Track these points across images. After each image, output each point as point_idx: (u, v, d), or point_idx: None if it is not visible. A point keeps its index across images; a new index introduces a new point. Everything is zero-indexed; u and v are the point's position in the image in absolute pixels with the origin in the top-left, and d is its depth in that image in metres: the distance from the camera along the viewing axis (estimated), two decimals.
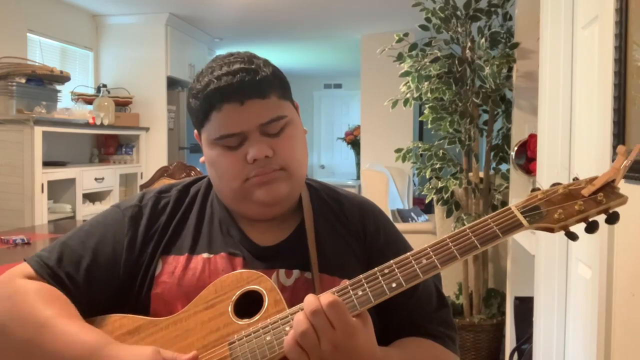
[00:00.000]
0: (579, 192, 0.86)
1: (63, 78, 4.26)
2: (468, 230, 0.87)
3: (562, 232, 0.87)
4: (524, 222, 0.85)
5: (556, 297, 2.03)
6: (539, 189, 0.89)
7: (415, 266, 0.85)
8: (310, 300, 0.82)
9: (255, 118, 0.96)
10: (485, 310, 3.31)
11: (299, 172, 1.02)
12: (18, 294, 0.93)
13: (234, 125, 0.95)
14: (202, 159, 1.05)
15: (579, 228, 0.87)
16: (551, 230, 0.86)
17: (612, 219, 0.85)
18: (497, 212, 0.88)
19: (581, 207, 0.84)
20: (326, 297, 0.82)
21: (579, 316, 1.83)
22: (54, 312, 0.89)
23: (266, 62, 1.01)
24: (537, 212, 0.86)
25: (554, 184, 0.89)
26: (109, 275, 0.98)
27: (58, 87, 4.34)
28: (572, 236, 0.87)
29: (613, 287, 1.26)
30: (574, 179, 0.89)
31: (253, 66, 0.97)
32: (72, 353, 0.85)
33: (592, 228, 0.85)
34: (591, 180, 0.86)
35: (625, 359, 1.20)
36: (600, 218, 0.86)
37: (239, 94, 0.95)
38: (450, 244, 0.86)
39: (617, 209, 0.85)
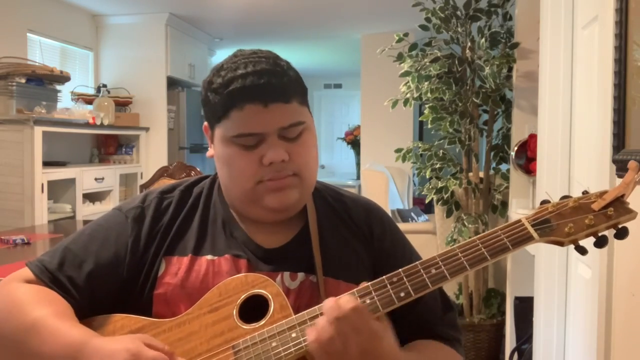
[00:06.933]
0: (589, 206, 0.85)
1: (63, 78, 4.26)
2: (478, 242, 0.86)
3: (572, 246, 0.86)
4: (535, 235, 0.84)
5: (556, 297, 2.03)
6: (548, 202, 0.88)
7: (425, 276, 0.85)
8: (331, 306, 0.81)
9: (277, 121, 0.95)
10: (485, 310, 3.31)
11: (310, 179, 1.01)
12: (9, 297, 0.93)
13: (255, 126, 0.94)
14: (209, 154, 1.03)
15: (586, 241, 0.86)
16: (561, 244, 0.85)
17: (622, 234, 0.84)
18: (508, 224, 0.87)
19: (591, 221, 0.83)
20: (348, 302, 0.81)
21: (579, 316, 1.83)
22: (43, 313, 0.89)
23: (289, 65, 1.00)
24: (547, 225, 0.85)
25: (563, 197, 0.88)
26: (111, 278, 0.98)
27: (58, 87, 4.33)
28: (582, 250, 0.86)
29: (613, 287, 1.26)
30: (583, 193, 0.88)
31: (279, 69, 0.96)
32: (57, 354, 0.85)
33: (601, 243, 0.84)
34: (601, 195, 0.85)
35: (625, 359, 1.20)
36: (609, 232, 0.85)
37: (264, 96, 0.93)
38: (460, 255, 0.85)
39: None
